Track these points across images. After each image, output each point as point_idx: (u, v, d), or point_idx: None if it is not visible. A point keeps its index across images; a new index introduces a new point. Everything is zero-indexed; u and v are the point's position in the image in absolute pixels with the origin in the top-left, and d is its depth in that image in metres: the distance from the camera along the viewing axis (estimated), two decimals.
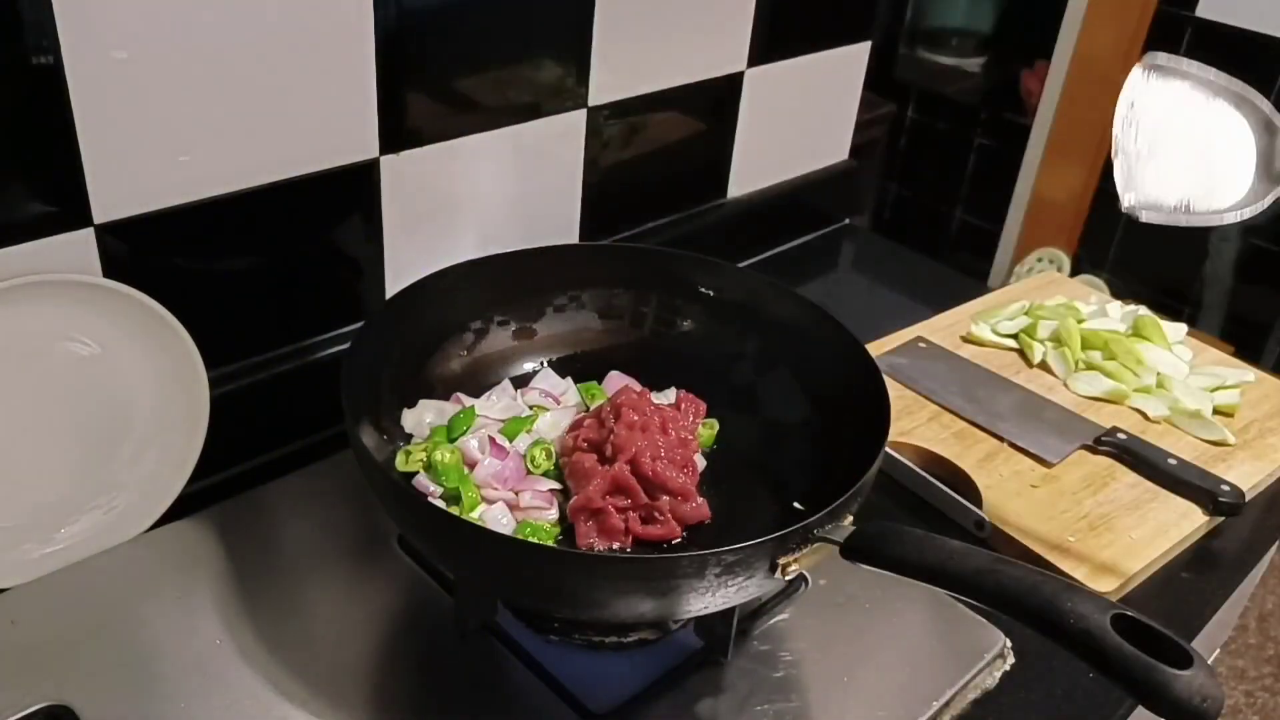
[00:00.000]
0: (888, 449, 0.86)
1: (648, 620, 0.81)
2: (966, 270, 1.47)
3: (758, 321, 0.96)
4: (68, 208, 0.79)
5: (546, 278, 0.98)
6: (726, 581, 0.67)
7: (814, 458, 0.89)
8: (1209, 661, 0.58)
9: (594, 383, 0.96)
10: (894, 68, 2.49)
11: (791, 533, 0.68)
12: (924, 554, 0.66)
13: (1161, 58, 0.81)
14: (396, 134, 0.95)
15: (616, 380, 0.96)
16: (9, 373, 0.79)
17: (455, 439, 0.85)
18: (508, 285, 0.97)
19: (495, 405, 0.91)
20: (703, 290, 0.98)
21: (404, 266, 1.01)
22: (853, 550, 0.69)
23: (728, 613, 0.78)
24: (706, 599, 0.69)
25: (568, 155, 1.12)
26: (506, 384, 0.95)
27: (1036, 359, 1.18)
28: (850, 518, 0.71)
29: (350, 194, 0.95)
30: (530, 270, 0.97)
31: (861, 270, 1.49)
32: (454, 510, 0.80)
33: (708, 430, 0.92)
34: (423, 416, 0.88)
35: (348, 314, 1.01)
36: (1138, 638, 0.56)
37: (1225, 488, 0.98)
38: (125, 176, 0.80)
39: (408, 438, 0.88)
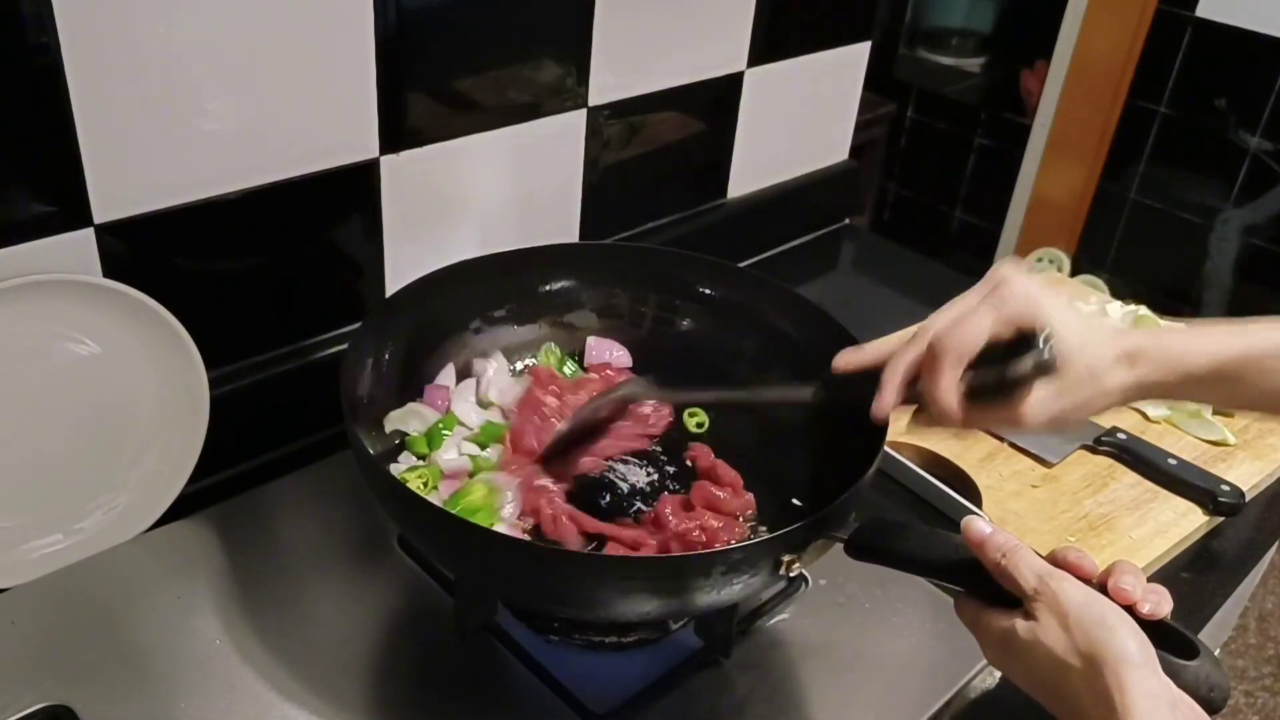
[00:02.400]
0: (888, 449, 0.86)
1: (650, 620, 0.81)
2: (966, 270, 1.46)
3: (757, 321, 0.96)
4: (68, 208, 0.79)
5: (546, 277, 0.98)
6: (731, 580, 0.67)
7: (813, 457, 0.88)
8: None
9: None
10: (894, 68, 2.49)
11: (796, 530, 0.68)
12: (929, 548, 0.66)
13: None
14: (396, 134, 0.95)
15: (599, 347, 0.97)
16: (9, 373, 0.79)
17: (434, 448, 0.86)
18: (507, 284, 0.97)
19: (469, 404, 0.91)
20: (702, 290, 0.98)
21: (404, 266, 1.01)
22: (858, 547, 0.69)
23: (728, 612, 0.78)
24: (711, 597, 0.69)
25: (568, 155, 1.12)
26: (469, 382, 0.94)
27: None
28: (854, 514, 0.71)
29: (350, 194, 0.95)
30: (529, 269, 0.97)
31: (861, 270, 1.49)
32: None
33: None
34: (407, 421, 0.88)
35: (348, 314, 1.01)
36: (1145, 629, 0.56)
37: (1225, 488, 0.98)
38: (125, 176, 0.80)
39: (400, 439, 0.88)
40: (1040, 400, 0.66)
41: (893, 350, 0.70)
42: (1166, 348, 0.67)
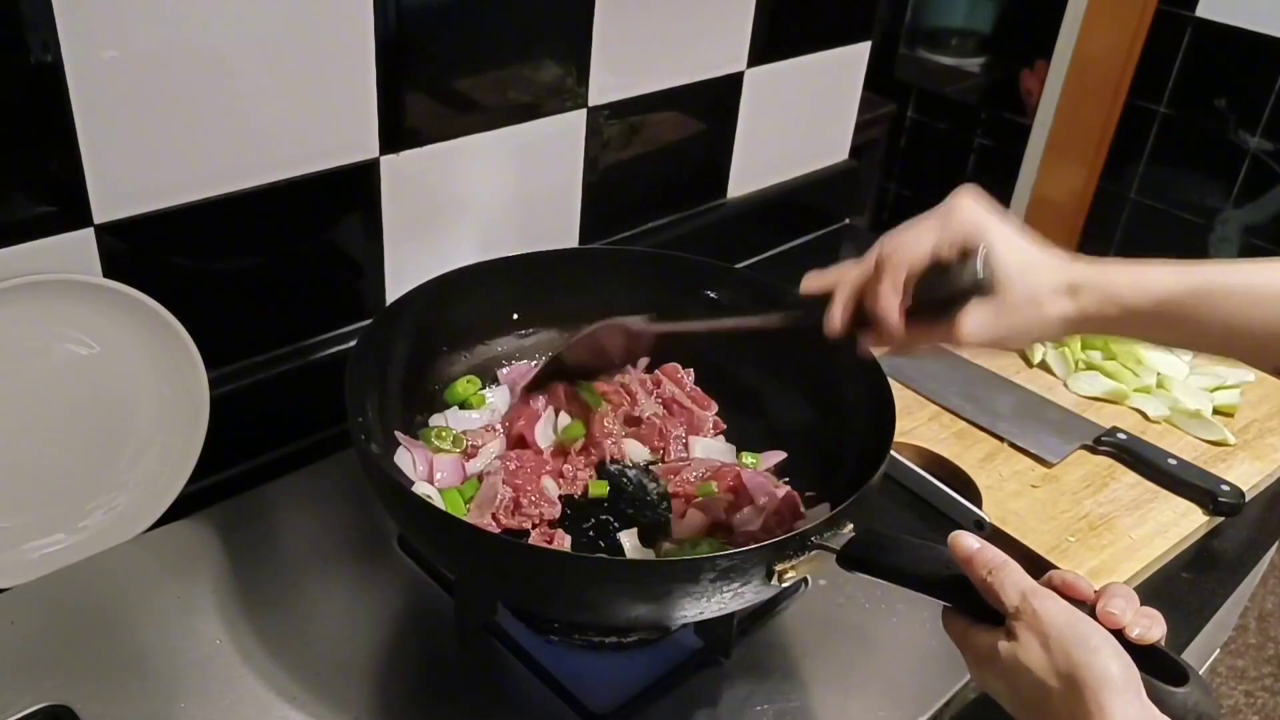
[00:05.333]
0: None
1: (645, 623, 0.81)
2: None
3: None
4: (68, 208, 0.79)
5: (549, 281, 0.98)
6: (722, 587, 0.67)
7: (817, 461, 0.88)
8: (1209, 662, 0.58)
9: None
10: (894, 68, 2.49)
11: (788, 539, 0.67)
12: (919, 563, 0.66)
13: None
14: (396, 134, 0.95)
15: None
16: (9, 373, 0.79)
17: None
18: (510, 288, 0.97)
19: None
20: (706, 293, 0.98)
21: (404, 267, 1.01)
22: (850, 559, 0.68)
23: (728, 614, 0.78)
24: (702, 604, 0.69)
25: (568, 155, 1.12)
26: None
27: (1036, 359, 1.18)
28: (850, 525, 0.70)
29: (350, 194, 0.95)
30: (533, 274, 0.97)
31: None
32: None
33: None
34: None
35: (348, 314, 1.01)
36: (1135, 652, 0.56)
37: (1225, 488, 0.98)
38: (125, 176, 0.80)
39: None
40: (979, 319, 0.67)
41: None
42: (1110, 281, 0.67)
